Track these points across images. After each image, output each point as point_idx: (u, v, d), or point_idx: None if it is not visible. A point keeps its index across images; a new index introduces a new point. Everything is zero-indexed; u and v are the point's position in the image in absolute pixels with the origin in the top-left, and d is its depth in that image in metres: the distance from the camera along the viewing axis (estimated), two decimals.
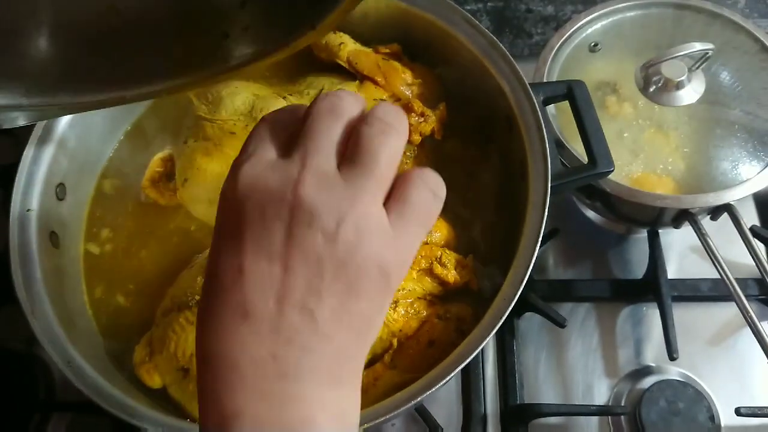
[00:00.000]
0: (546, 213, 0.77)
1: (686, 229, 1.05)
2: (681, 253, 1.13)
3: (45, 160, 0.88)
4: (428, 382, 0.71)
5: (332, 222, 0.44)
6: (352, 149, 0.46)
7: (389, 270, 0.46)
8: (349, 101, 0.49)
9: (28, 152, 0.87)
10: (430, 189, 0.48)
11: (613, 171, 0.82)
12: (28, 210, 0.85)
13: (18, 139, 1.21)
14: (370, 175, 0.45)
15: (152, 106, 1.04)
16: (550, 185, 0.78)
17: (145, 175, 0.96)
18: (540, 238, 0.75)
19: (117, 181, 1.00)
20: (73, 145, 0.93)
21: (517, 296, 0.73)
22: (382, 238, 0.46)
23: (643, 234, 1.12)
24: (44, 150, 0.88)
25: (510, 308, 0.72)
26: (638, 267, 1.11)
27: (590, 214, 1.15)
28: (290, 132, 0.48)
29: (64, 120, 0.91)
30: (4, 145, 1.11)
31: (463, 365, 0.70)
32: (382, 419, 0.70)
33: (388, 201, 0.47)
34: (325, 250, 0.44)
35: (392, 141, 0.47)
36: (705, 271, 1.09)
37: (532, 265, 0.74)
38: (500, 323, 0.72)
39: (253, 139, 0.48)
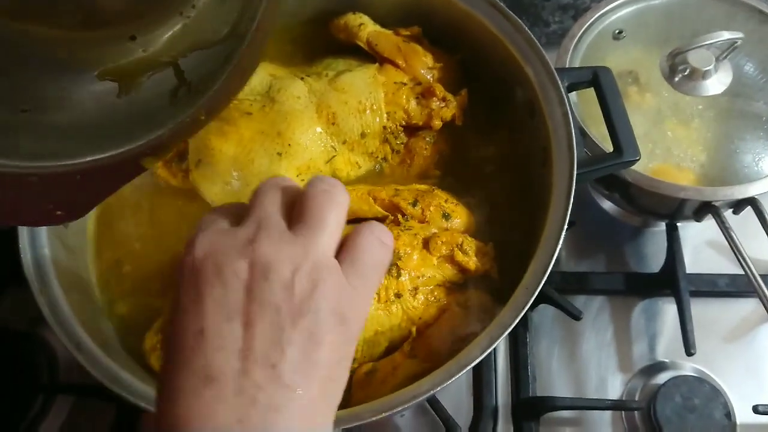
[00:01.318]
0: (571, 202, 0.75)
1: (700, 224, 1.04)
2: (696, 248, 1.11)
3: None
4: (447, 372, 0.69)
5: (287, 272, 0.46)
6: (299, 211, 0.50)
7: (347, 316, 0.47)
8: (288, 180, 0.54)
9: None
10: (377, 237, 0.52)
11: (639, 160, 0.80)
12: None
13: None
14: (319, 230, 0.48)
15: None
16: (575, 173, 0.75)
17: None
18: (565, 228, 0.73)
19: None
20: None
21: (540, 287, 0.71)
22: (337, 285, 0.47)
23: (659, 227, 1.11)
24: None
25: (532, 299, 0.70)
26: (654, 261, 1.09)
27: (606, 205, 1.14)
28: (237, 213, 0.52)
29: None
30: None
31: (483, 356, 0.68)
32: (399, 409, 0.68)
33: (339, 253, 0.50)
34: (282, 301, 0.45)
35: (337, 198, 0.50)
36: (721, 266, 1.08)
37: (555, 255, 0.72)
38: (522, 314, 0.70)
39: (203, 221, 0.52)
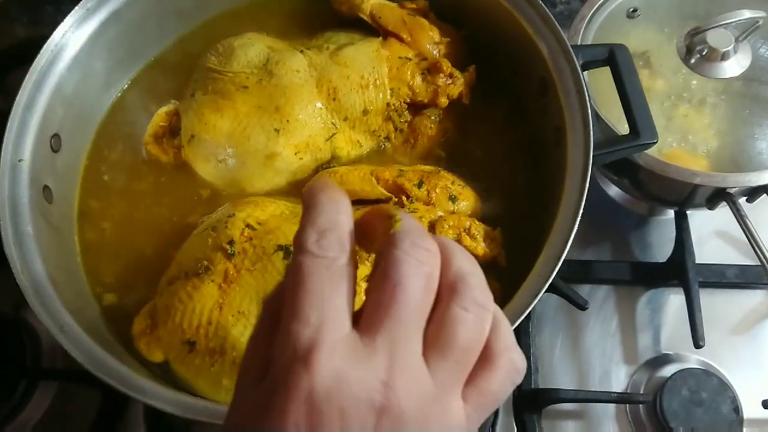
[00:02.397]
0: (587, 185, 0.71)
1: (706, 213, 1.00)
2: (703, 238, 1.07)
3: (40, 107, 0.81)
4: None
5: (417, 429, 0.37)
6: (442, 337, 0.39)
7: None
8: (435, 257, 0.40)
9: (21, 97, 0.80)
10: (513, 380, 0.42)
11: (656, 143, 0.76)
12: (20, 160, 0.78)
13: (7, 87, 1.14)
14: (461, 373, 0.39)
15: (158, 55, 0.98)
16: (591, 154, 0.72)
17: (147, 130, 0.89)
18: (580, 213, 0.70)
19: (117, 135, 0.93)
20: (71, 93, 0.86)
21: (554, 275, 0.67)
22: None
23: (666, 216, 1.07)
24: (39, 96, 0.81)
25: (545, 287, 0.67)
26: (660, 250, 1.06)
27: (612, 192, 1.10)
28: (352, 269, 0.41)
29: (62, 64, 0.84)
30: None
31: None
32: None
33: (468, 385, 0.40)
34: None
35: (485, 327, 0.40)
36: (728, 256, 1.05)
37: (570, 241, 0.69)
38: (535, 302, 0.66)
39: (309, 293, 0.39)
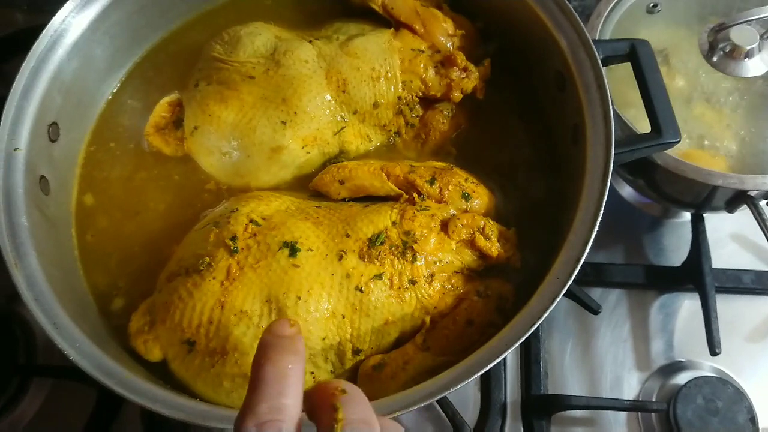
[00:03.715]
0: (608, 184, 0.68)
1: (723, 217, 0.98)
2: (718, 242, 1.04)
3: (37, 94, 0.78)
4: (467, 367, 0.63)
5: None
6: None
7: None
8: None
9: (19, 83, 0.77)
10: None
11: (679, 141, 0.73)
12: (16, 149, 0.75)
13: (5, 75, 1.11)
14: None
15: (160, 42, 0.94)
16: (613, 152, 0.69)
17: (149, 121, 0.86)
18: (601, 213, 0.67)
19: (117, 126, 0.90)
20: (70, 81, 0.83)
21: (573, 277, 0.64)
22: None
23: (680, 218, 1.04)
24: (37, 83, 0.78)
25: (565, 289, 0.64)
26: (675, 253, 1.03)
27: (625, 193, 1.07)
28: None
29: (61, 50, 0.81)
30: None
31: (509, 351, 0.62)
32: (414, 408, 0.61)
33: None
34: None
35: None
36: (744, 261, 1.02)
37: (590, 243, 0.66)
38: (553, 305, 0.64)
39: None
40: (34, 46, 0.79)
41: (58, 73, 0.81)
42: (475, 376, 0.61)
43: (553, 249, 0.70)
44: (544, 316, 0.63)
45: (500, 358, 0.62)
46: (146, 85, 0.92)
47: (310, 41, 0.85)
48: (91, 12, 0.83)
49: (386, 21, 0.88)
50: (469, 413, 0.91)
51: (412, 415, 0.92)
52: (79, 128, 0.87)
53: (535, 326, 0.63)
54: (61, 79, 0.81)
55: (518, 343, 0.62)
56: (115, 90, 0.92)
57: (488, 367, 0.62)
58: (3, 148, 0.74)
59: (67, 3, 0.82)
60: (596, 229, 0.66)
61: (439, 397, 0.62)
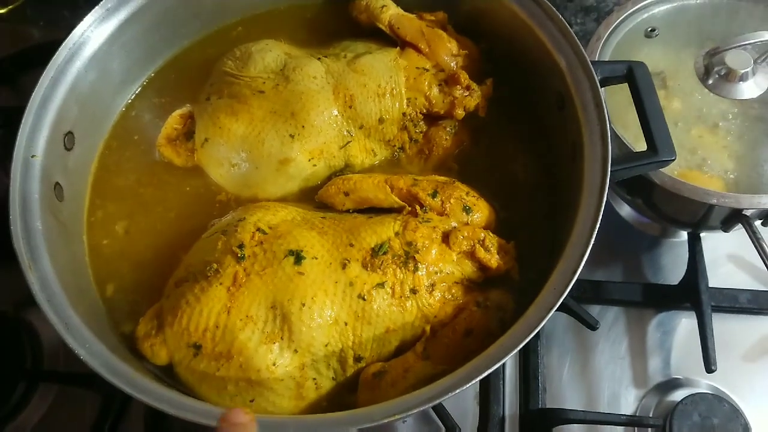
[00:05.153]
0: (605, 199, 0.70)
1: (720, 236, 0.99)
2: (714, 261, 1.06)
3: (55, 104, 0.81)
4: (466, 373, 0.64)
5: None
6: None
7: None
8: None
9: (38, 93, 0.80)
10: None
11: (675, 160, 0.76)
12: (33, 156, 0.78)
13: (21, 88, 1.14)
14: None
15: (174, 57, 0.98)
16: (610, 169, 0.71)
17: (161, 132, 0.89)
18: (597, 227, 0.69)
19: (130, 136, 0.93)
20: (86, 92, 0.85)
21: (569, 288, 0.66)
22: None
23: (678, 238, 1.06)
24: (55, 93, 0.81)
25: (561, 300, 0.65)
26: (672, 272, 1.05)
27: (624, 212, 1.09)
28: None
29: (80, 62, 0.84)
30: (5, 89, 1.04)
31: (507, 358, 0.63)
32: (413, 411, 0.63)
33: None
34: None
35: None
36: (740, 281, 1.04)
37: (587, 255, 0.68)
38: (549, 315, 0.65)
39: None
40: (53, 58, 0.82)
41: (76, 85, 0.83)
42: (474, 381, 0.63)
43: (551, 261, 0.72)
44: (542, 324, 0.64)
45: (499, 364, 0.63)
46: (159, 98, 0.95)
47: (319, 58, 0.87)
48: (109, 27, 0.86)
49: (393, 40, 0.91)
50: (468, 426, 0.92)
51: (411, 425, 0.93)
52: (94, 138, 0.90)
53: (533, 334, 0.64)
54: (78, 90, 0.84)
55: (516, 350, 0.64)
56: (129, 102, 0.95)
57: (487, 373, 0.63)
58: (21, 154, 0.77)
59: (87, 17, 0.85)
60: (593, 241, 0.68)
61: (437, 401, 0.63)
